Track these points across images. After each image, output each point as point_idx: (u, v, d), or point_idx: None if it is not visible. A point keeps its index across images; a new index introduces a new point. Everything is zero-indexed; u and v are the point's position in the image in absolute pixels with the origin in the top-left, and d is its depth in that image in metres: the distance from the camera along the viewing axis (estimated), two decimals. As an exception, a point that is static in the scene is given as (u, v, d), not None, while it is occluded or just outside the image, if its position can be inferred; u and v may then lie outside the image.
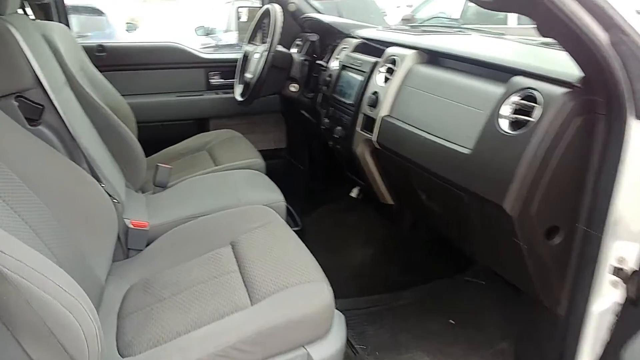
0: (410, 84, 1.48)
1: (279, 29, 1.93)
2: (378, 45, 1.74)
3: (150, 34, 8.07)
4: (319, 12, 2.48)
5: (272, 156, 2.68)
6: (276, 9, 1.98)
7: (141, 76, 2.42)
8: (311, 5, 2.47)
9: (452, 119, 1.26)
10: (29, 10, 2.01)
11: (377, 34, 1.83)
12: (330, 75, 1.94)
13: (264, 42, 2.29)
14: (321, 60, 2.05)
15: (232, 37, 6.33)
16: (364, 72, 1.69)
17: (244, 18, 2.82)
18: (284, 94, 2.09)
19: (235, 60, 2.47)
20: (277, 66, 1.97)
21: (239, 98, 2.13)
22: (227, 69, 2.53)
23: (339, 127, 1.76)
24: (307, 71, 2.08)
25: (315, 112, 2.10)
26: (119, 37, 6.03)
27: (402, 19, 7.67)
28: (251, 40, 2.27)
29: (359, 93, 1.69)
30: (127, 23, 7.09)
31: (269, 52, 1.91)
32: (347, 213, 2.21)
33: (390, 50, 1.61)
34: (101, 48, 2.33)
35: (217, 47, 6.76)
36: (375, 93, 1.58)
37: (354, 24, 2.07)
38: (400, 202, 1.78)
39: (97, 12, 6.14)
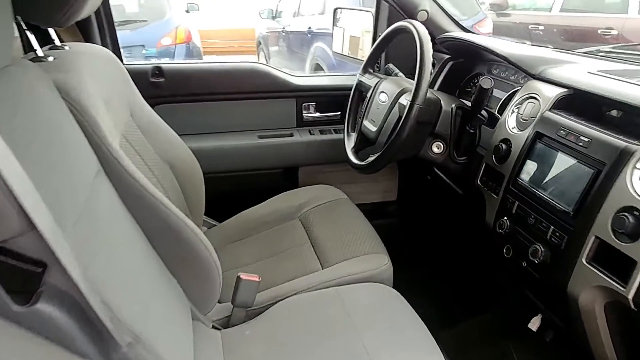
0: None
1: (428, 67, 1.23)
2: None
3: (212, 15, 7.49)
4: (459, 26, 1.75)
5: (378, 214, 2.01)
6: (421, 31, 1.28)
7: (210, 110, 1.78)
8: (449, 16, 1.74)
9: None
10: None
11: (605, 85, 1.09)
12: (507, 142, 1.23)
13: (387, 74, 1.60)
14: (480, 106, 1.33)
15: (301, 23, 5.63)
16: (600, 162, 0.97)
17: (343, 24, 2.13)
18: (422, 156, 1.40)
19: (339, 88, 1.80)
20: (419, 121, 1.28)
21: (354, 160, 1.45)
22: (327, 99, 1.86)
23: (539, 247, 1.06)
24: (459, 124, 1.37)
25: (468, 184, 1.40)
26: (179, 21, 5.44)
27: (491, 4, 6.71)
28: (368, 67, 1.57)
29: (586, 198, 0.98)
30: (189, 3, 6.50)
31: (412, 103, 1.22)
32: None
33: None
34: (158, 71, 1.69)
35: (285, 33, 6.09)
36: (634, 211, 0.87)
37: (539, 58, 1.33)
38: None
39: (157, -8, 5.57)
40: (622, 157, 0.94)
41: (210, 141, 1.76)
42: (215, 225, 1.69)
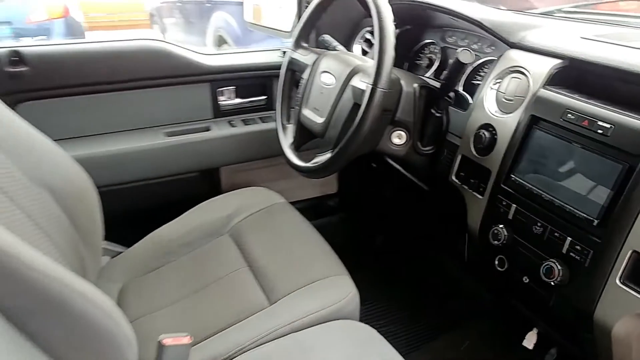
0: None
1: (391, 40, 0.95)
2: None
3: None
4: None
5: (317, 211, 1.74)
6: None
7: (97, 104, 1.37)
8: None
9: None
10: None
11: (610, 54, 0.87)
12: (489, 129, 0.99)
13: (322, 48, 1.30)
14: (453, 86, 1.07)
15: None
16: (630, 155, 0.75)
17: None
18: (381, 150, 1.13)
19: (263, 67, 1.48)
20: (384, 109, 1.00)
21: (297, 161, 1.15)
22: (248, 81, 1.52)
23: (554, 265, 0.83)
24: (423, 108, 1.11)
25: (437, 179, 1.16)
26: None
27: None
28: (301, 41, 1.26)
29: (616, 202, 0.76)
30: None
31: (375, 87, 0.93)
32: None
33: None
34: (17, 57, 1.25)
35: (181, 3, 5.50)
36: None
37: (514, 22, 1.10)
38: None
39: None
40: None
41: (101, 146, 1.36)
42: (122, 252, 1.32)
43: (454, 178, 1.08)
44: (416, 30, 1.37)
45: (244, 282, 1.12)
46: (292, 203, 1.60)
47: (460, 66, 0.97)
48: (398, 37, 1.36)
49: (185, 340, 0.88)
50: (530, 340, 1.07)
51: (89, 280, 0.84)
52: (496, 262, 0.99)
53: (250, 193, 1.39)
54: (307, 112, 1.15)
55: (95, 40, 1.36)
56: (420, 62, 1.36)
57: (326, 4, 1.17)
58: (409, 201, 1.62)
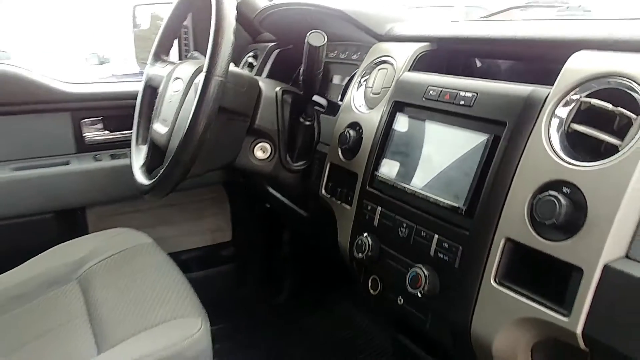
0: None
1: (230, 22, 0.81)
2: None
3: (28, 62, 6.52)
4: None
5: (208, 261, 1.53)
6: None
7: None
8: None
9: None
10: None
11: (484, 29, 0.76)
12: (355, 127, 0.85)
13: (186, 57, 1.17)
14: (313, 82, 0.93)
15: (134, 66, 5.04)
16: (496, 122, 0.62)
17: (144, 25, 1.68)
18: (241, 165, 0.96)
19: (131, 96, 1.33)
20: (228, 109, 0.84)
21: (143, 180, 0.96)
22: (120, 111, 1.35)
23: (420, 271, 0.65)
24: (289, 115, 0.96)
25: (311, 200, 0.99)
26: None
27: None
28: (160, 54, 1.11)
29: (483, 181, 0.61)
30: (-1, 51, 5.53)
31: (208, 75, 0.78)
32: None
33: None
34: None
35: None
36: (563, 187, 0.52)
37: (382, 15, 0.99)
38: None
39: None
40: (529, 108, 0.59)
41: None
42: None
43: (323, 192, 0.91)
44: (300, 48, 1.26)
45: (75, 333, 0.91)
46: (178, 253, 1.40)
47: (314, 51, 0.84)
48: (279, 57, 1.27)
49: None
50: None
51: None
52: (369, 284, 0.80)
53: (111, 235, 1.18)
54: (156, 126, 0.98)
55: None
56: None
57: (179, 16, 1.04)
58: (297, 236, 1.44)
